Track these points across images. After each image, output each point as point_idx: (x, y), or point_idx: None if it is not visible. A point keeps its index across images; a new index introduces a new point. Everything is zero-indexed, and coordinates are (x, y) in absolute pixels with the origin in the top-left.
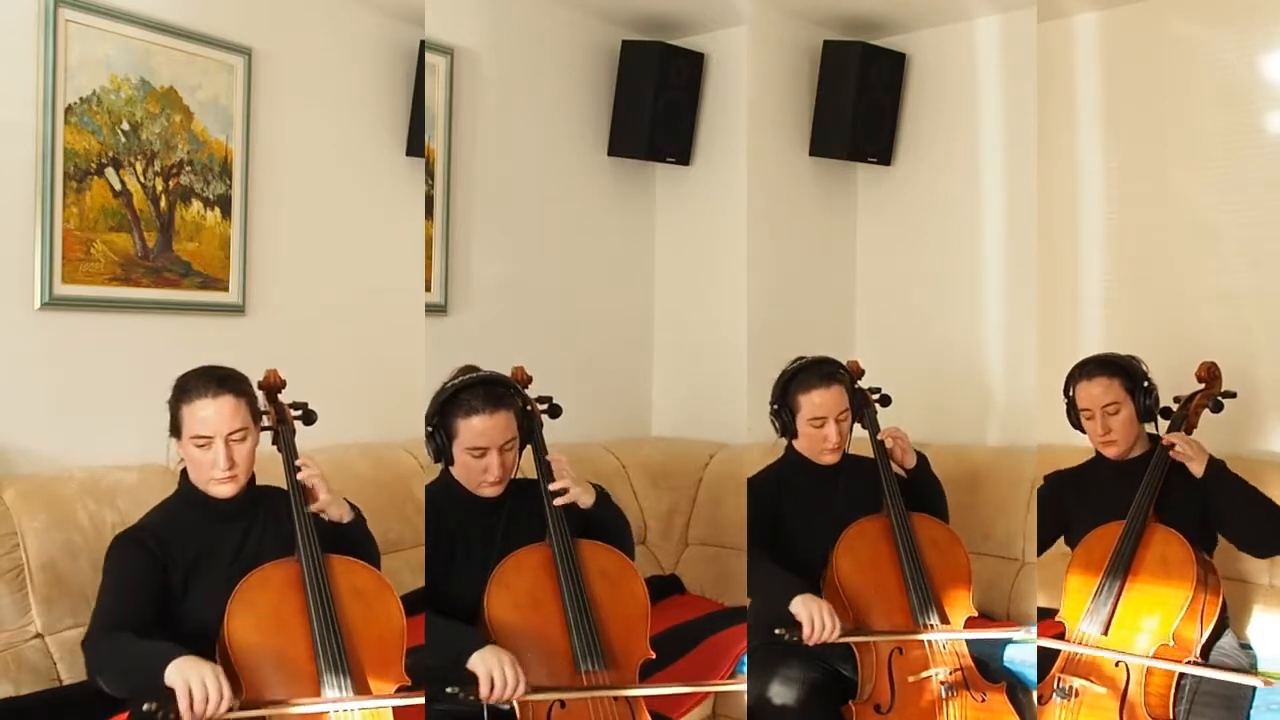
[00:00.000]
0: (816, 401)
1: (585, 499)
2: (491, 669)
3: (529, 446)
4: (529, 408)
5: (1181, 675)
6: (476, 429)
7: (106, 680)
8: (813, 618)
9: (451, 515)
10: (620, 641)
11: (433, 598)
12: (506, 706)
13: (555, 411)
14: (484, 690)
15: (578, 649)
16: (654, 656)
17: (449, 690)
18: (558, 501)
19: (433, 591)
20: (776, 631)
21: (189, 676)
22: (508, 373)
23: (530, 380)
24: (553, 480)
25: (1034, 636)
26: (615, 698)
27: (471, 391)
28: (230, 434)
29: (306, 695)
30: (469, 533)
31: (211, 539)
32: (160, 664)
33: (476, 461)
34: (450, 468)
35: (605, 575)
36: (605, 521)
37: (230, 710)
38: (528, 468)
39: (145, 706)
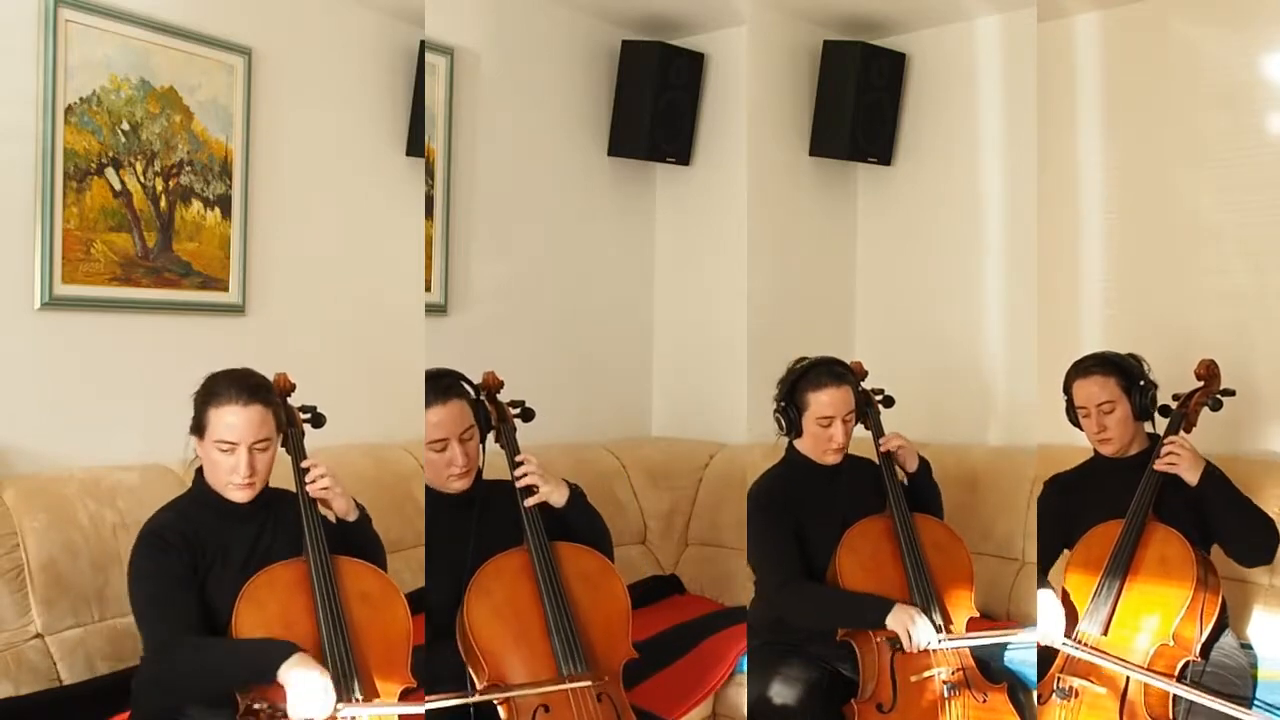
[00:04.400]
0: (825, 400)
1: (557, 498)
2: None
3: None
4: (491, 408)
5: (1181, 674)
6: (432, 421)
7: (199, 684)
8: (907, 627)
9: (427, 516)
10: (601, 643)
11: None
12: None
13: (528, 415)
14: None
15: (559, 652)
16: (637, 656)
17: (256, 707)
18: (529, 502)
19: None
20: (888, 640)
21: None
22: (479, 378)
23: (501, 385)
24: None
25: (1033, 639)
26: (600, 699)
27: (424, 387)
28: (255, 443)
29: None
30: (441, 531)
31: (224, 540)
32: (277, 660)
33: (440, 455)
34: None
35: (585, 578)
36: (579, 522)
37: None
38: (499, 469)
39: (258, 705)
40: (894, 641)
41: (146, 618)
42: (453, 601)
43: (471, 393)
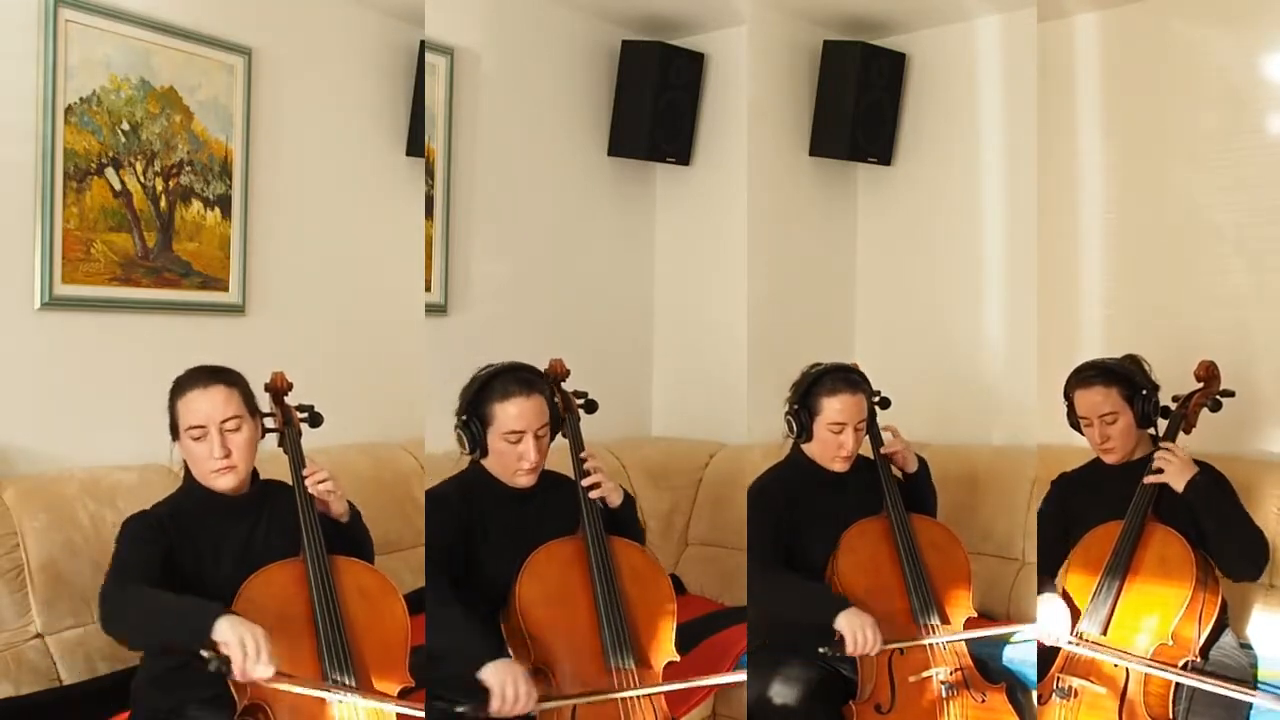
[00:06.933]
0: (838, 406)
1: (614, 498)
2: (505, 684)
3: (564, 436)
4: (557, 397)
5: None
6: (513, 413)
7: (127, 628)
8: (855, 634)
9: (481, 505)
10: (648, 639)
11: (457, 587)
12: None
13: (591, 407)
14: (495, 704)
15: (608, 643)
16: (679, 659)
17: (459, 710)
18: (593, 493)
19: (459, 580)
20: (820, 650)
21: (242, 634)
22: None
23: (568, 373)
24: (586, 475)
25: (1033, 634)
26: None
27: (506, 377)
28: (223, 422)
29: None
30: (500, 523)
31: (217, 534)
32: (209, 617)
33: (512, 448)
34: (483, 460)
35: (635, 573)
36: (628, 524)
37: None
38: (556, 464)
39: (205, 654)
40: (838, 643)
41: (110, 570)
42: (502, 594)
43: (550, 390)
